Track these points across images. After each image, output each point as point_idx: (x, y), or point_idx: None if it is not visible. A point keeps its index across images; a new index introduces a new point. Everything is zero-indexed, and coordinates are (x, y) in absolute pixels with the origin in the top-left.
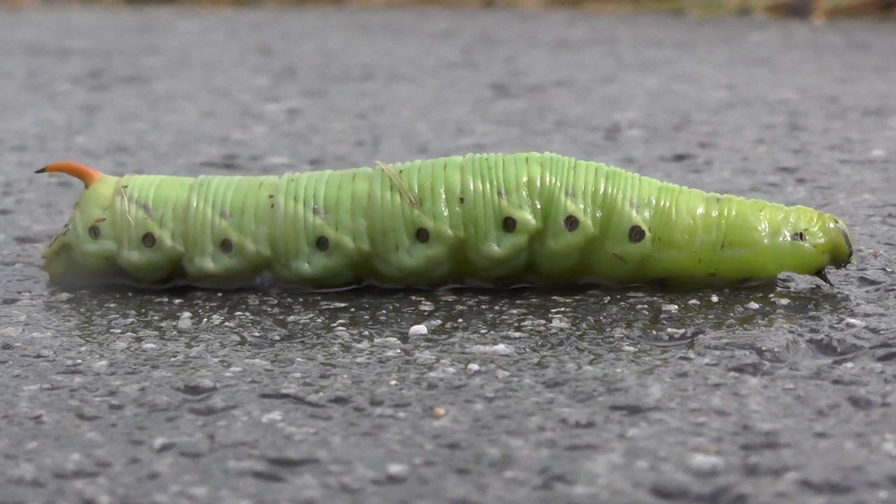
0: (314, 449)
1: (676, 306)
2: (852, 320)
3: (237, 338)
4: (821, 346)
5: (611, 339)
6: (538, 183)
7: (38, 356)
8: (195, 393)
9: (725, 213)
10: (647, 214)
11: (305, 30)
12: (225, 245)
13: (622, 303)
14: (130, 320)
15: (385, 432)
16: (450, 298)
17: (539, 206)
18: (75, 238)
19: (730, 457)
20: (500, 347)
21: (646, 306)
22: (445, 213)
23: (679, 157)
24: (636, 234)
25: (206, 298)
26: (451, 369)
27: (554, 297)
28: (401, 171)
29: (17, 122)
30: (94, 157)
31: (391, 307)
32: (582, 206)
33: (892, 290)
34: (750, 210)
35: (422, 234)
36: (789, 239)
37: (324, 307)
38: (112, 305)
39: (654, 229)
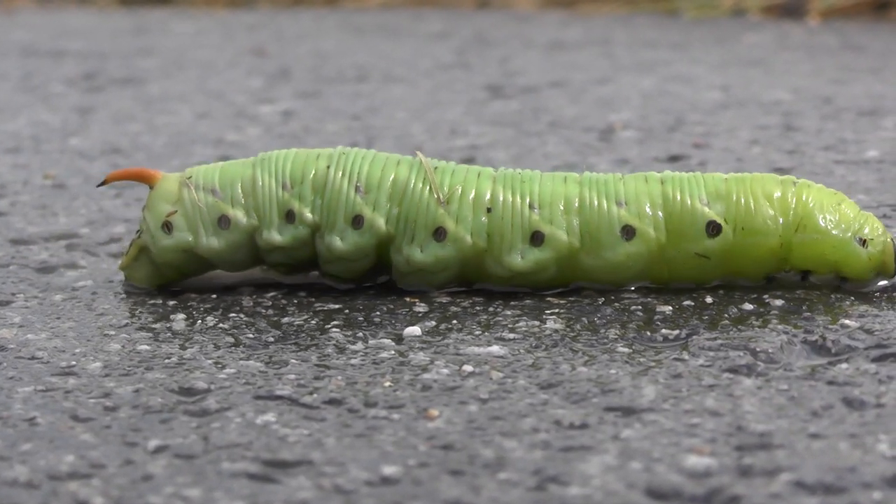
0: (308, 450)
1: (670, 307)
2: (847, 321)
3: (231, 339)
4: (815, 347)
5: (605, 341)
6: (577, 200)
7: (33, 358)
8: (189, 394)
9: (804, 197)
10: (720, 207)
11: (300, 31)
12: (289, 216)
13: (616, 304)
14: (125, 322)
15: (379, 434)
16: (444, 300)
17: (577, 223)
18: (150, 238)
19: (724, 458)
20: (495, 349)
21: (640, 307)
22: (469, 219)
23: (673, 158)
24: (713, 228)
25: (200, 300)
26: (446, 371)
27: (548, 299)
28: (436, 168)
29: (12, 123)
30: (88, 158)
31: (385, 309)
32: (637, 213)
33: (887, 290)
34: (828, 199)
35: (439, 233)
36: (855, 241)
37: (318, 309)
38: (106, 307)
39: (731, 220)
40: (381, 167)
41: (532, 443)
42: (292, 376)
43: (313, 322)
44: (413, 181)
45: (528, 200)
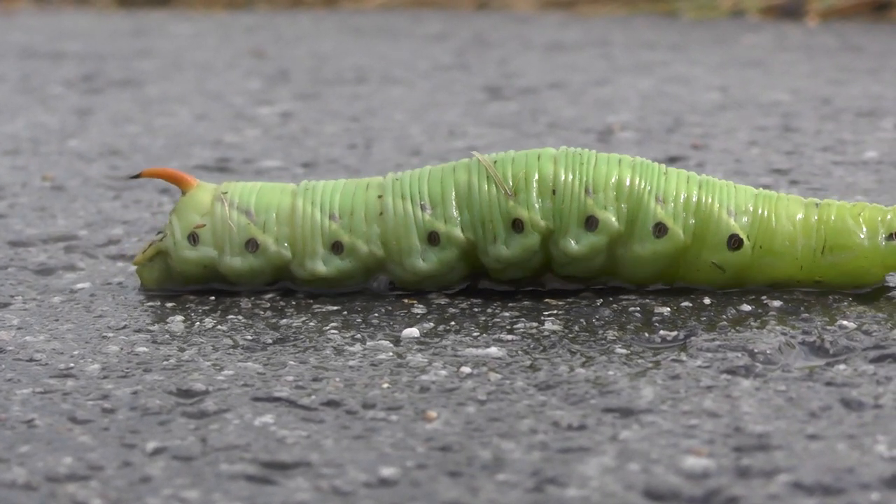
0: (306, 452)
1: (669, 308)
2: (845, 322)
3: (229, 341)
4: (813, 348)
5: (603, 342)
6: (627, 185)
7: (31, 360)
8: (187, 396)
9: (825, 218)
10: (745, 221)
11: (298, 33)
12: (336, 247)
13: (614, 305)
14: (123, 324)
15: (377, 435)
16: (442, 301)
17: (625, 209)
18: (173, 245)
19: (722, 459)
20: (493, 350)
21: (638, 309)
22: (538, 205)
23: (672, 159)
24: (735, 242)
25: (198, 302)
26: (444, 372)
27: (546, 300)
28: (495, 162)
29: (10, 125)
30: (87, 160)
31: (383, 310)
32: (673, 213)
33: (885, 291)
34: (849, 213)
35: (517, 225)
36: (884, 240)
37: (316, 310)
38: (105, 309)
39: (753, 237)
40: (440, 181)
41: (530, 444)
42: (291, 378)
43: (311, 324)
44: (476, 182)
45: (584, 184)
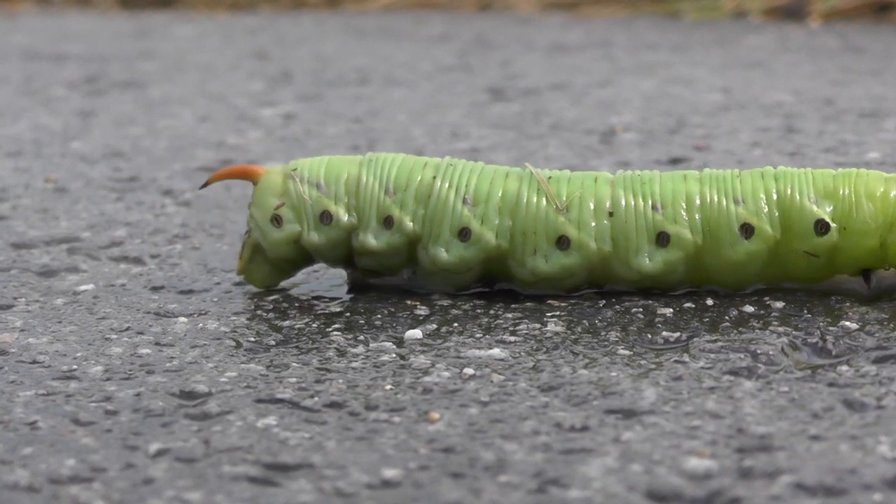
0: (309, 454)
1: (671, 310)
2: (847, 323)
3: (232, 343)
4: (815, 349)
5: (606, 343)
6: (697, 196)
7: (34, 362)
8: (190, 398)
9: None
10: (828, 206)
11: (301, 34)
12: (387, 222)
13: (617, 306)
14: (126, 326)
15: (380, 437)
16: (445, 303)
17: (699, 219)
18: (261, 233)
19: (724, 460)
20: (496, 352)
21: (641, 310)
22: (592, 225)
23: (674, 161)
24: (821, 227)
25: (200, 303)
26: (447, 374)
27: (549, 301)
28: (549, 178)
29: (13, 127)
30: (89, 162)
31: (386, 312)
32: (755, 211)
33: (887, 292)
34: None
35: (562, 242)
36: None
37: (319, 312)
38: (108, 311)
39: (837, 219)
40: (490, 180)
41: (533, 445)
42: (293, 380)
43: (314, 325)
44: (525, 193)
45: (650, 201)
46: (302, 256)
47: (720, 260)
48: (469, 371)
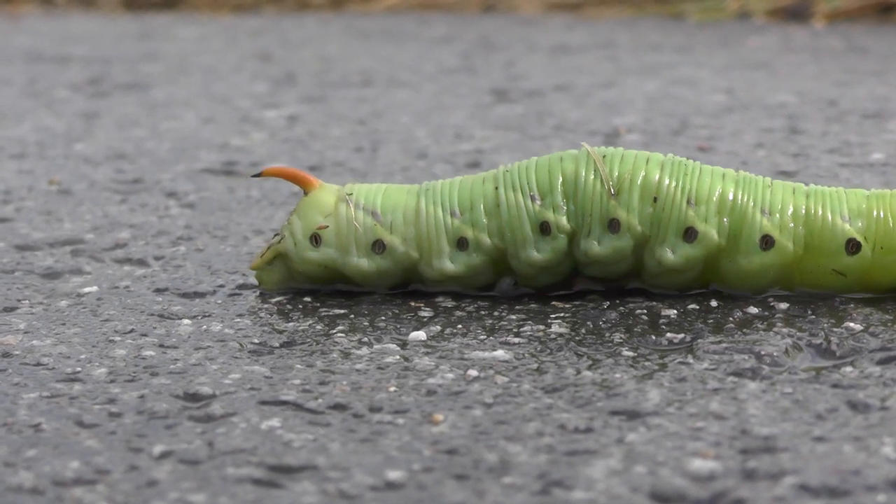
0: (313, 455)
1: (675, 311)
2: (851, 324)
3: (236, 345)
4: (819, 350)
5: (610, 345)
6: (730, 199)
7: (38, 364)
8: (194, 400)
9: None
10: (860, 225)
11: (304, 36)
12: (461, 243)
13: (621, 308)
14: (130, 328)
15: (384, 438)
16: (449, 304)
17: (727, 223)
18: (293, 246)
19: (728, 461)
20: (499, 353)
21: (645, 311)
22: (638, 208)
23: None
24: (853, 246)
25: (204, 305)
26: (450, 375)
27: (553, 303)
28: (604, 157)
29: (17, 129)
30: (93, 164)
31: (390, 313)
32: (779, 225)
33: (891, 293)
34: None
35: (613, 225)
36: None
37: (323, 314)
38: (112, 313)
39: (871, 238)
40: (548, 170)
41: (536, 447)
42: (297, 381)
43: (318, 327)
44: (583, 174)
45: (687, 195)
46: (325, 278)
47: (734, 266)
48: (473, 373)
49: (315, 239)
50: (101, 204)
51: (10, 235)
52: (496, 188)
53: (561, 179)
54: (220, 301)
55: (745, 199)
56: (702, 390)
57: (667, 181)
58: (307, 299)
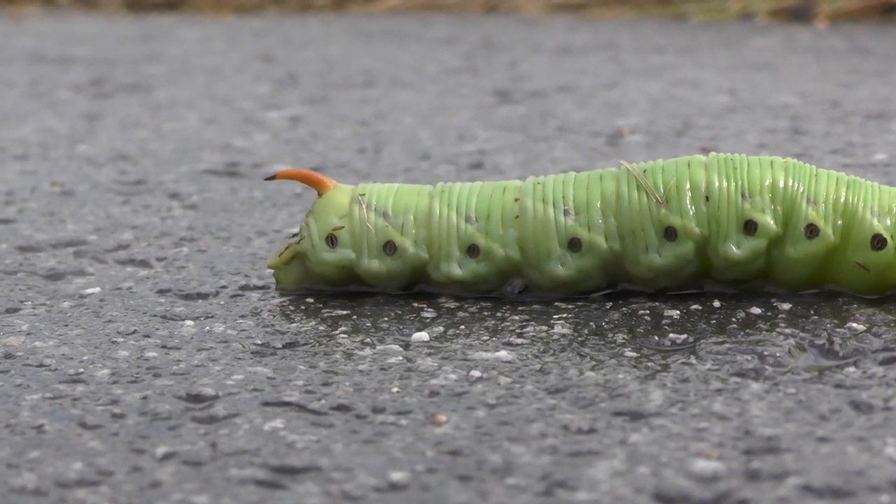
0: (316, 456)
1: (678, 312)
2: (854, 324)
3: (239, 346)
4: (822, 351)
5: (612, 345)
6: (781, 187)
7: (41, 365)
8: (197, 401)
9: None
10: (888, 222)
11: (307, 37)
12: (472, 250)
13: (624, 308)
14: (132, 329)
15: (387, 439)
16: (452, 305)
17: (780, 212)
18: (311, 247)
19: (731, 462)
20: (502, 354)
21: (647, 312)
22: (692, 211)
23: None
24: (878, 242)
25: (207, 306)
26: (453, 376)
27: (556, 304)
28: (644, 171)
29: (19, 130)
30: (95, 165)
31: (393, 314)
32: (823, 214)
33: (894, 293)
34: None
35: (669, 233)
36: None
37: (325, 315)
38: (114, 314)
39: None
40: (585, 187)
41: (540, 448)
42: (300, 382)
43: (321, 328)
44: (626, 191)
45: (740, 188)
46: (343, 279)
47: (781, 255)
48: (476, 373)
49: (331, 240)
50: (104, 205)
51: (13, 237)
52: (516, 199)
53: (601, 198)
54: (222, 302)
55: (795, 187)
56: (705, 391)
57: (715, 179)
58: (310, 300)
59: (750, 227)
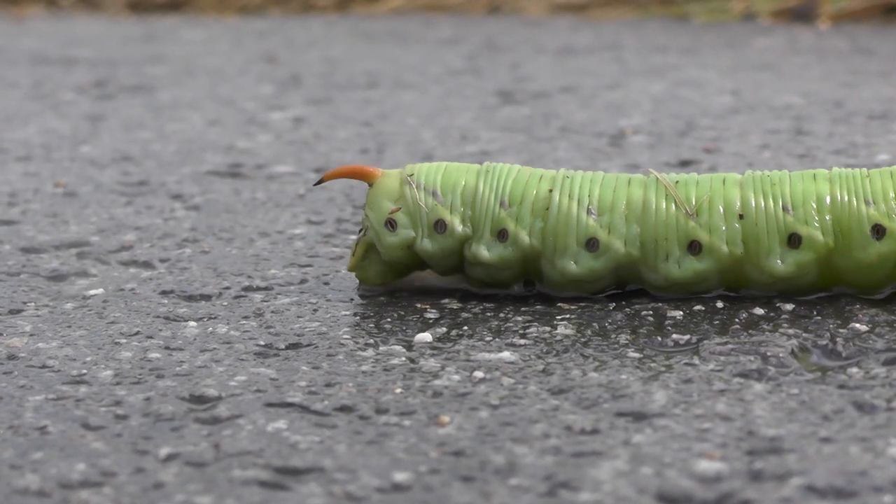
0: (319, 457)
1: (681, 312)
2: (857, 325)
3: (242, 347)
4: (826, 351)
5: (616, 346)
6: (827, 196)
7: (44, 366)
8: (200, 402)
9: None
10: None
11: (310, 38)
12: (501, 235)
13: (627, 309)
14: (136, 330)
15: (390, 440)
16: (455, 306)
17: (830, 220)
18: (374, 235)
19: (734, 462)
20: (506, 355)
21: (651, 313)
22: (723, 228)
23: (684, 163)
24: None
25: (210, 307)
26: (457, 377)
27: (559, 304)
28: (677, 182)
29: (22, 131)
30: (99, 166)
31: (396, 315)
32: (886, 212)
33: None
34: None
35: (694, 247)
36: None
37: (328, 315)
38: (117, 315)
39: None
40: (612, 189)
41: (543, 448)
42: (303, 383)
43: (324, 329)
44: (653, 199)
45: (780, 202)
46: (416, 260)
47: (851, 262)
48: (479, 374)
49: (390, 224)
50: (107, 206)
51: (16, 238)
52: (550, 190)
53: (625, 202)
54: (225, 303)
55: (844, 194)
56: (708, 391)
57: (751, 196)
58: (313, 301)
59: (794, 241)
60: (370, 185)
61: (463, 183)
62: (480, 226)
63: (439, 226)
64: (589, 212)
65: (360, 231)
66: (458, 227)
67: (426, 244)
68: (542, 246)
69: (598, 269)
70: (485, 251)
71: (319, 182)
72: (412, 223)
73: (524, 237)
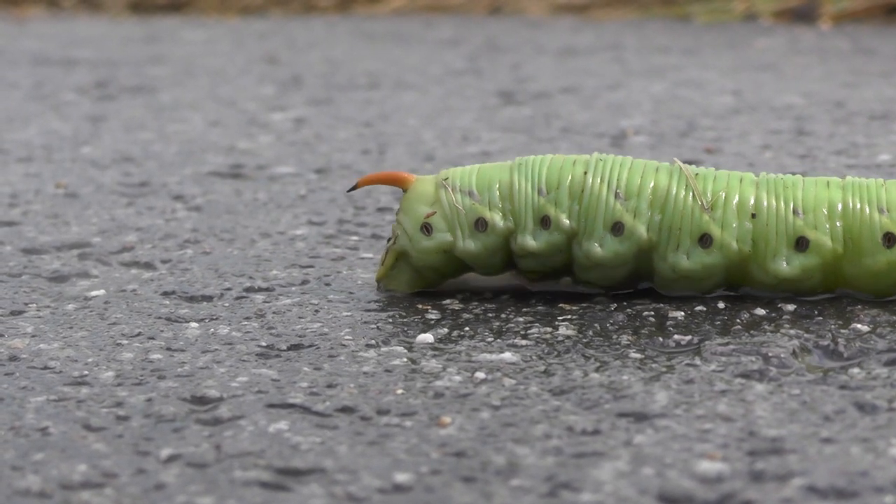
0: (320, 458)
1: (683, 313)
2: (858, 325)
3: (243, 348)
4: (827, 352)
5: (617, 347)
6: (839, 203)
7: (45, 367)
8: (202, 403)
9: None
10: None
11: (311, 39)
12: (544, 221)
13: (628, 310)
14: (137, 331)
15: (391, 441)
16: (456, 307)
17: (840, 227)
18: (408, 241)
19: (736, 463)
20: (507, 355)
21: (652, 313)
22: (734, 225)
23: (685, 164)
24: None
25: (211, 308)
26: (458, 378)
27: (560, 305)
28: (697, 174)
29: (23, 132)
30: (100, 167)
31: (397, 316)
32: None
33: None
34: None
35: (705, 240)
36: None
37: (330, 316)
38: (119, 316)
39: None
40: (640, 174)
41: (544, 449)
42: (304, 384)
43: (325, 330)
44: (675, 188)
45: (791, 206)
46: (449, 266)
47: (860, 269)
48: (480, 375)
49: (426, 228)
50: (108, 207)
51: (17, 239)
52: (585, 173)
53: (652, 186)
54: (227, 304)
55: (857, 202)
56: (709, 392)
57: (764, 197)
58: (314, 301)
59: (801, 244)
60: (404, 190)
61: (498, 179)
62: (522, 217)
63: (480, 224)
64: (617, 195)
65: (389, 240)
66: (500, 222)
67: (469, 245)
68: (578, 228)
69: (623, 253)
70: (531, 240)
71: (354, 188)
72: (449, 227)
73: (564, 220)
